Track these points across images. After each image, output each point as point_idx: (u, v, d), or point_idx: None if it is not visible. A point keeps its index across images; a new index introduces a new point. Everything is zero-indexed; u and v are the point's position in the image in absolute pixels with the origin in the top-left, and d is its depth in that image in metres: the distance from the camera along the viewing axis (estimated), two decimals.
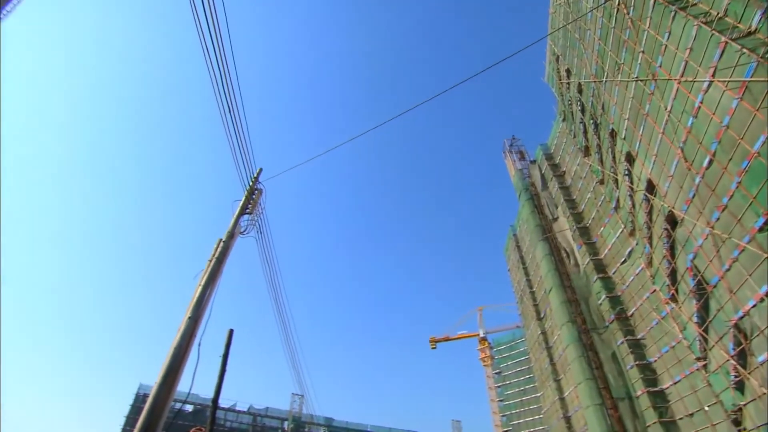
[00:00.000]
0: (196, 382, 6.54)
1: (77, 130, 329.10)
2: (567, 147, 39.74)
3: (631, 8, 21.02)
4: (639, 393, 25.85)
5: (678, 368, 23.22)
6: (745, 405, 17.45)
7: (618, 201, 28.75)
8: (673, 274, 22.02)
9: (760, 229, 14.75)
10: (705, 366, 20.15)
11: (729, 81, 14.81)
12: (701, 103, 16.68)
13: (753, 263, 15.32)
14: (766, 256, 14.46)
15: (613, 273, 30.70)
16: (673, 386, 23.72)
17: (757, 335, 15.76)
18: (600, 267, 32.18)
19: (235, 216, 8.26)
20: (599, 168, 31.19)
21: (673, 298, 22.15)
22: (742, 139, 14.73)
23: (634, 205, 25.93)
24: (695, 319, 19.98)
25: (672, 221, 21.29)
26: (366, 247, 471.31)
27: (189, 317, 6.23)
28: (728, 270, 16.84)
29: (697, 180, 17.81)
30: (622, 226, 28.80)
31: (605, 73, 25.93)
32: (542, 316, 44.21)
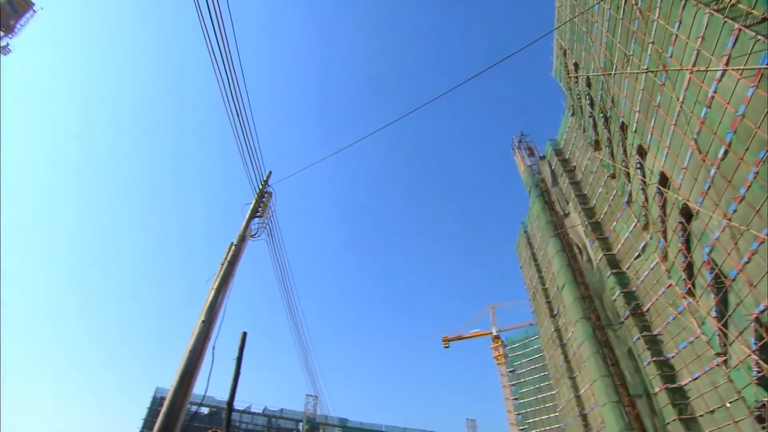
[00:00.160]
0: (211, 385, 6.61)
1: (81, 132, 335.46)
2: (577, 142, 39.24)
3: None
4: (657, 390, 25.39)
5: (697, 364, 22.74)
6: None
7: (630, 195, 28.28)
8: (689, 268, 21.58)
9: None
10: (725, 361, 19.68)
11: (743, 69, 14.44)
12: (715, 92, 16.30)
13: None
14: None
15: (627, 268, 30.21)
16: (692, 382, 23.24)
17: None
18: (613, 262, 31.70)
19: (245, 219, 8.32)
20: (610, 162, 30.72)
21: (690, 293, 21.71)
22: (758, 128, 14.35)
23: (647, 199, 25.49)
24: (714, 314, 19.54)
25: (687, 214, 20.86)
26: (376, 246, 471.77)
27: (203, 321, 6.29)
28: (747, 263, 16.43)
29: (712, 171, 17.42)
30: (635, 221, 28.32)
31: (614, 66, 25.52)
32: (555, 313, 43.71)
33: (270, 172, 9.42)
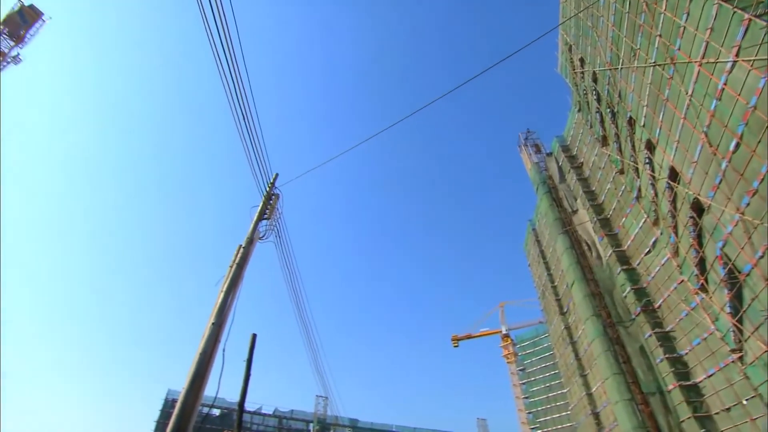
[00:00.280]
0: (222, 387, 6.63)
1: (92, 137, 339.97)
2: (584, 138, 38.86)
3: None
4: (671, 387, 25.04)
5: (712, 361, 22.37)
6: None
7: (639, 190, 27.94)
8: (701, 264, 21.25)
9: None
10: (741, 358, 19.35)
11: (755, 60, 14.17)
12: (725, 84, 16.03)
13: None
14: None
15: (638, 264, 29.84)
16: (707, 379, 22.87)
17: None
18: (623, 258, 31.33)
19: (253, 222, 8.35)
20: (618, 157, 30.38)
21: (703, 288, 21.37)
22: None
23: (656, 194, 25.16)
24: (728, 309, 19.21)
25: (698, 209, 20.55)
26: (383, 246, 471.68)
27: (213, 323, 6.32)
28: (761, 257, 16.13)
29: (724, 165, 17.13)
30: (645, 216, 27.97)
31: (621, 60, 25.23)
32: (565, 310, 43.32)
33: (276, 175, 9.46)
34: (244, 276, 7.42)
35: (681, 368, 24.80)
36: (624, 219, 31.52)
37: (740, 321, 18.44)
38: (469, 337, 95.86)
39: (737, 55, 14.99)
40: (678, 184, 21.69)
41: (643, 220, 28.53)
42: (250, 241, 7.88)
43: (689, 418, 23.34)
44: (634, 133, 26.14)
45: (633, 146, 26.94)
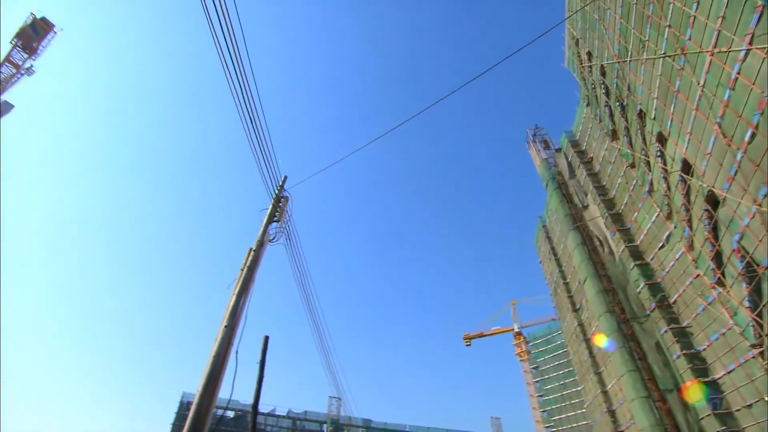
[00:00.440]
0: (236, 389, 6.68)
1: (98, 141, 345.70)
2: (593, 132, 38.37)
3: None
4: (689, 384, 24.56)
5: (731, 356, 21.88)
6: None
7: (651, 184, 27.48)
8: (717, 257, 20.82)
9: None
10: (762, 353, 18.90)
11: None
12: (738, 73, 15.68)
13: None
14: None
15: (651, 259, 29.35)
16: (726, 376, 22.38)
17: None
18: (636, 254, 30.84)
19: (263, 224, 8.40)
20: (629, 151, 29.93)
21: (720, 283, 20.93)
22: None
23: (669, 188, 24.72)
24: (747, 304, 18.78)
25: (713, 201, 20.13)
26: (393, 245, 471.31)
27: (225, 326, 6.37)
28: None
29: (739, 156, 16.75)
30: (658, 210, 27.51)
31: (629, 53, 24.85)
32: (578, 307, 42.81)
33: (285, 177, 9.51)
34: (256, 278, 7.47)
35: (699, 364, 24.31)
36: (636, 213, 31.04)
37: (760, 315, 18.02)
38: (481, 335, 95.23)
39: (751, 43, 14.65)
40: (691, 176, 21.28)
41: (655, 214, 28.06)
42: (261, 244, 7.93)
43: (708, 415, 22.88)
44: (645, 126, 25.73)
45: (644, 139, 26.52)
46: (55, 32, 48.04)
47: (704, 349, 24.22)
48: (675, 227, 25.70)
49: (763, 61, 14.33)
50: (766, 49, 13.99)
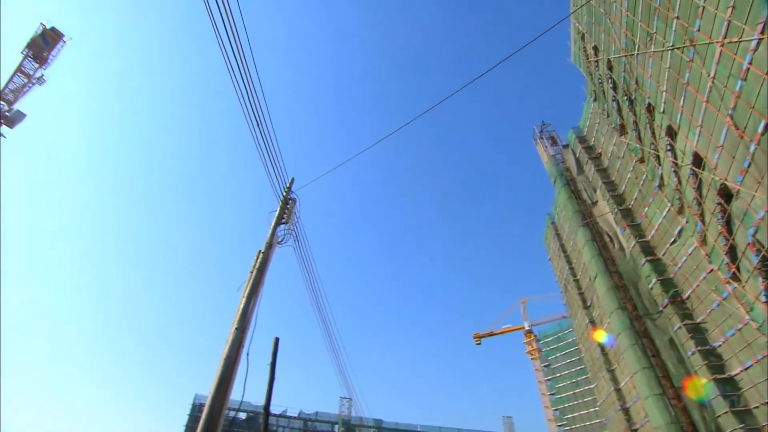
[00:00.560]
0: (248, 390, 6.73)
1: (107, 144, 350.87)
2: (601, 127, 37.96)
3: None
4: (704, 381, 24.15)
5: (748, 352, 21.45)
6: None
7: (662, 178, 27.10)
8: (732, 252, 20.44)
9: None
10: None
11: None
12: (750, 63, 15.38)
13: None
14: None
15: (663, 254, 28.93)
16: (743, 372, 21.96)
17: None
18: (647, 249, 30.43)
19: (271, 227, 8.44)
20: (638, 146, 29.55)
21: (735, 277, 20.56)
22: None
23: (680, 182, 24.35)
24: (763, 299, 18.43)
25: (726, 194, 19.78)
26: (402, 244, 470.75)
27: (236, 328, 6.42)
28: None
29: (752, 148, 16.43)
30: (669, 205, 27.11)
31: (636, 46, 24.53)
32: (589, 304, 42.36)
33: (293, 179, 9.55)
34: (265, 280, 7.51)
35: (714, 361, 23.88)
36: (646, 208, 30.63)
37: None
38: (491, 334, 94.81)
39: (762, 32, 14.37)
40: (703, 170, 20.94)
41: (666, 208, 27.66)
42: (270, 246, 7.97)
43: (726, 412, 22.46)
44: (654, 120, 25.38)
45: (653, 133, 26.15)
46: (65, 41, 48.87)
47: (720, 345, 23.80)
48: (687, 222, 25.31)
49: None
50: None
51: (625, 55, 26.64)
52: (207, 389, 5.77)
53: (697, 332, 25.26)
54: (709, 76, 17.96)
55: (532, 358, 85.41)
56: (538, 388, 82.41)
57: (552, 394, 78.24)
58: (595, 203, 38.82)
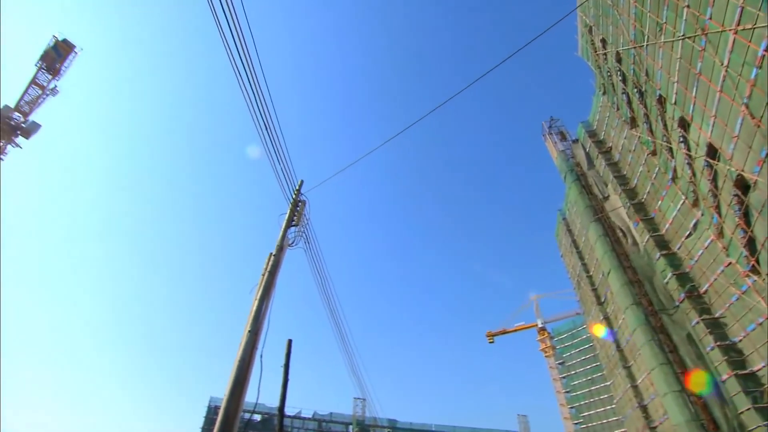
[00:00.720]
0: (262, 392, 6.76)
1: (118, 151, 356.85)
2: (611, 121, 37.42)
3: None
4: (725, 377, 23.63)
5: None
6: None
7: (675, 171, 26.59)
8: (750, 244, 19.97)
9: None
10: None
11: None
12: (765, 50, 15.00)
13: None
14: None
15: (678, 248, 28.38)
16: (765, 368, 21.44)
17: None
18: (662, 243, 29.90)
19: (282, 229, 8.48)
20: (649, 138, 29.05)
21: (754, 270, 20.06)
22: None
23: (694, 174, 23.86)
24: None
25: (742, 186, 19.32)
26: (412, 244, 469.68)
27: (249, 330, 6.45)
28: None
29: None
30: (683, 197, 26.59)
31: (646, 37, 24.11)
32: (603, 300, 41.77)
33: (302, 181, 9.58)
34: (277, 282, 7.55)
35: (735, 356, 23.35)
36: (660, 202, 30.08)
37: None
38: (504, 332, 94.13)
39: None
40: (718, 161, 20.48)
41: (681, 201, 27.14)
42: (281, 248, 8.01)
43: (748, 409, 21.94)
44: (666, 112, 24.92)
45: (665, 125, 25.68)
46: (76, 52, 49.84)
47: (740, 340, 23.27)
48: (702, 214, 24.79)
49: None
50: None
51: (635, 47, 26.21)
52: (222, 391, 5.82)
53: (716, 327, 24.72)
54: (722, 64, 17.56)
55: (546, 356, 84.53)
56: (553, 386, 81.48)
57: (567, 392, 77.30)
58: (606, 198, 38.27)
